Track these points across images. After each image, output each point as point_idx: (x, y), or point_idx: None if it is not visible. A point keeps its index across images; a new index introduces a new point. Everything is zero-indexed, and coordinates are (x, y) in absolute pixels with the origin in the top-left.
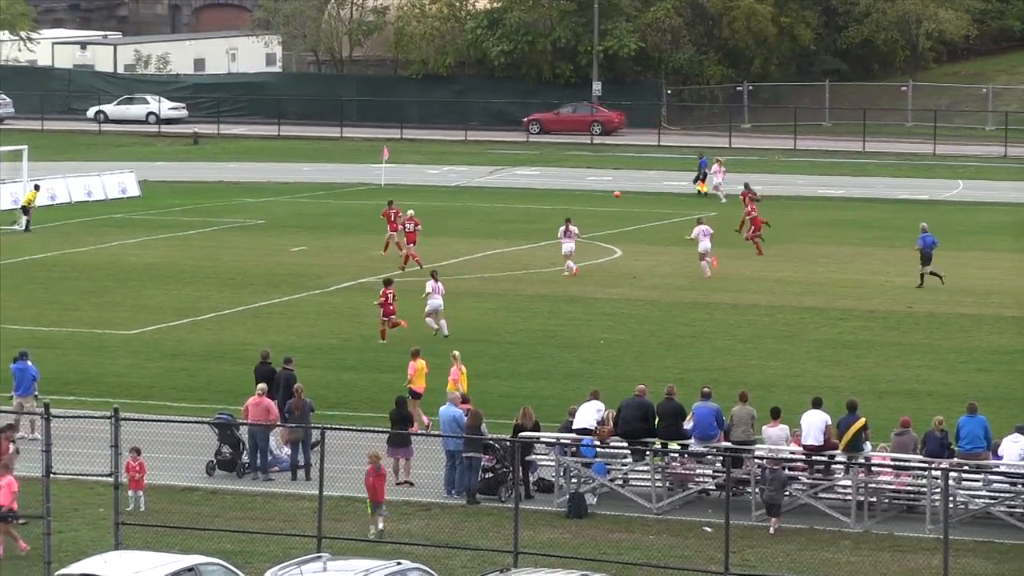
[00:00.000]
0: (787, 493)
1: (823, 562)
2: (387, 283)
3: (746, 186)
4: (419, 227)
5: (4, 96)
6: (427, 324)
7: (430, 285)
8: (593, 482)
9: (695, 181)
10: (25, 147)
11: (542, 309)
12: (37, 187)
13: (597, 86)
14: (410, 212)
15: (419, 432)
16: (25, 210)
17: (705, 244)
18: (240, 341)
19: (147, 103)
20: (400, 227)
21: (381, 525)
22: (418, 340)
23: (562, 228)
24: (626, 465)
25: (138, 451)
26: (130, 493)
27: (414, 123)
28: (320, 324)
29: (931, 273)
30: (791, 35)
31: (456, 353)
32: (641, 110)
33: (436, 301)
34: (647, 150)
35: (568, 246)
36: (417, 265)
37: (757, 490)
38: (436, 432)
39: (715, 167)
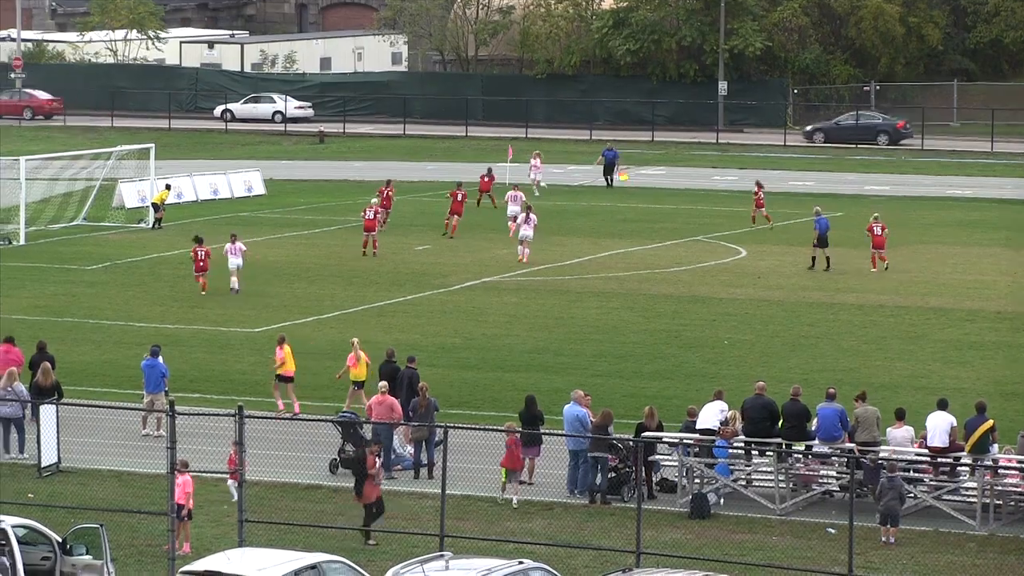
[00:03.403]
0: (911, 495)
1: (947, 565)
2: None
3: (757, 183)
4: (379, 213)
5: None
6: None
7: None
8: (716, 482)
9: (611, 173)
10: (152, 145)
11: (666, 309)
12: (168, 186)
13: (723, 85)
14: (373, 200)
15: (550, 432)
16: (155, 208)
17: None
18: (364, 339)
19: (273, 102)
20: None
21: (515, 498)
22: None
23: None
24: (749, 466)
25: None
26: (229, 482)
27: (539, 122)
28: (443, 323)
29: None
30: (919, 35)
31: (355, 339)
32: (767, 110)
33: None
34: (773, 150)
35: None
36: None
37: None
38: (559, 431)
39: (533, 160)
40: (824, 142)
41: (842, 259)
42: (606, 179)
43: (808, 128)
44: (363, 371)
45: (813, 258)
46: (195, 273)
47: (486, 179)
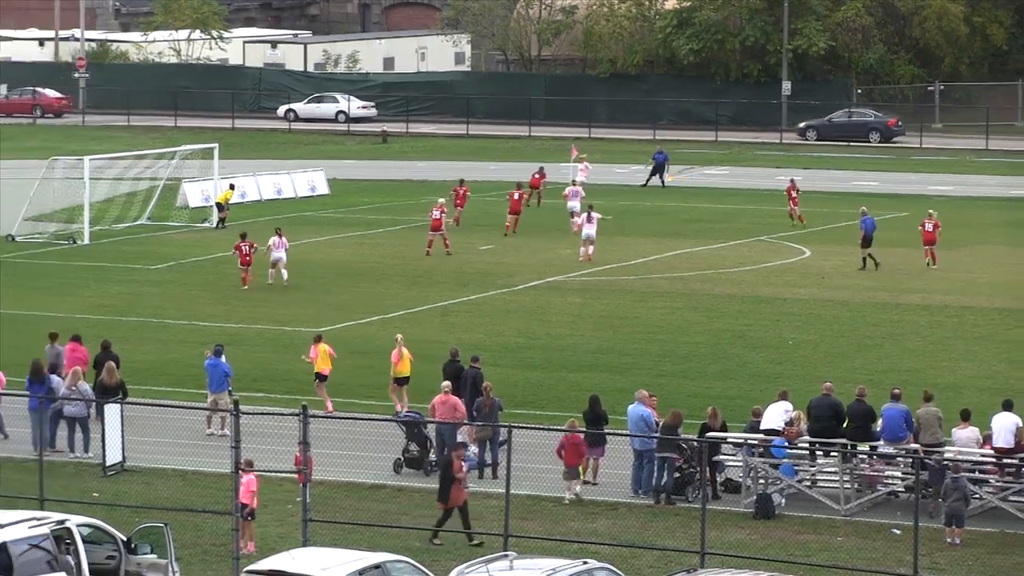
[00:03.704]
0: (977, 496)
1: (1014, 566)
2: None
3: (792, 181)
4: (445, 213)
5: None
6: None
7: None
8: (781, 483)
9: (661, 175)
10: (215, 145)
11: (730, 309)
12: (232, 186)
13: (787, 85)
14: (440, 200)
15: (615, 432)
16: (220, 207)
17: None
18: (428, 339)
19: (336, 102)
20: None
21: (578, 488)
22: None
23: (584, 215)
24: (814, 466)
25: (307, 445)
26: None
27: (602, 122)
28: (507, 323)
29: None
30: (983, 34)
31: (399, 336)
32: (830, 110)
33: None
34: (836, 149)
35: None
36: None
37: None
38: (624, 431)
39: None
40: (817, 139)
41: (906, 259)
42: (660, 180)
43: (801, 125)
44: (406, 367)
45: (864, 259)
46: (240, 267)
47: (537, 176)
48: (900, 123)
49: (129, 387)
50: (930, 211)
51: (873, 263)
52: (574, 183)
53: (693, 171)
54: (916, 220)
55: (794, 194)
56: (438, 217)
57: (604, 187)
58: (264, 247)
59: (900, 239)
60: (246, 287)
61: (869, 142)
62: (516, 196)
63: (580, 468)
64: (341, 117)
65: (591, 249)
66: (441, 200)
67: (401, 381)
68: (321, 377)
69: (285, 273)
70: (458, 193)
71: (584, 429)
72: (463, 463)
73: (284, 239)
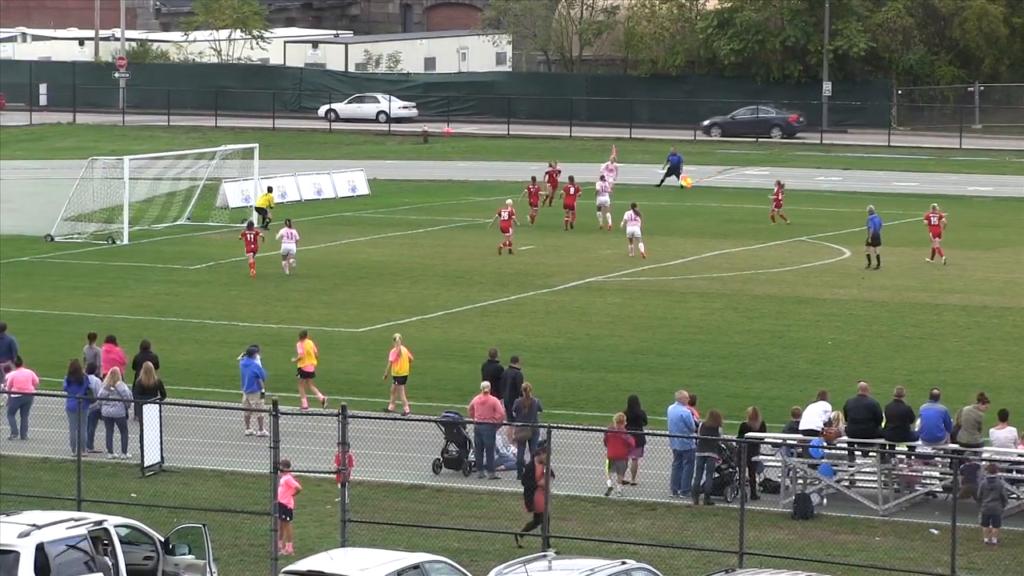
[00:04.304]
0: (1014, 496)
1: None
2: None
3: (778, 183)
4: (514, 214)
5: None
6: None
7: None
8: (819, 483)
9: (676, 176)
10: (256, 145)
11: (769, 309)
12: (270, 188)
13: (827, 86)
14: (508, 201)
15: (654, 432)
16: (262, 211)
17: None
18: (468, 339)
19: (377, 102)
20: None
21: (619, 486)
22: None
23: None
24: (852, 466)
25: (347, 445)
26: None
27: (643, 123)
28: (547, 323)
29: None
30: (1023, 35)
31: (398, 335)
32: (871, 110)
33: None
34: (877, 150)
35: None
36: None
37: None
38: (663, 431)
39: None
40: (722, 135)
41: (947, 258)
42: (673, 178)
43: (706, 123)
44: (405, 366)
45: (868, 256)
46: (247, 254)
47: (553, 173)
48: (801, 119)
49: (167, 387)
50: (933, 204)
51: (876, 262)
52: (602, 179)
53: (733, 171)
54: (956, 221)
55: (780, 196)
56: (506, 219)
57: (644, 187)
58: (276, 237)
59: (943, 239)
60: (254, 276)
61: (771, 138)
62: (572, 191)
63: (625, 462)
64: (382, 117)
65: (641, 246)
66: (508, 200)
67: (400, 380)
68: (305, 374)
69: (294, 263)
70: (530, 191)
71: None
72: (544, 468)
73: (294, 230)
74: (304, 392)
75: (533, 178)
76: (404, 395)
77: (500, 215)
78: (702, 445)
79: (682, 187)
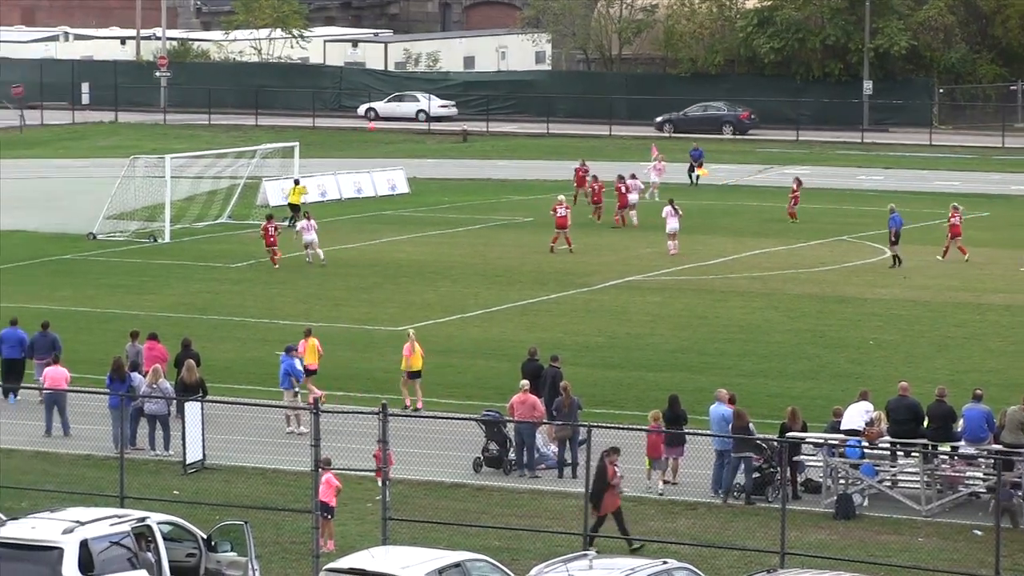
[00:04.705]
0: None
1: None
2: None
3: (796, 180)
4: (569, 209)
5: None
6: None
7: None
8: (861, 483)
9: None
10: (296, 144)
11: (810, 309)
12: (297, 181)
13: (868, 85)
14: (560, 197)
15: (695, 432)
16: (295, 208)
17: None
18: (508, 338)
19: (417, 101)
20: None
21: (660, 484)
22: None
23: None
24: (895, 467)
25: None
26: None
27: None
28: (587, 322)
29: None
30: None
31: (411, 331)
32: (912, 109)
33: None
34: (918, 149)
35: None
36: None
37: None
38: (703, 431)
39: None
40: (674, 132)
41: (991, 259)
42: (690, 176)
43: (659, 119)
44: (418, 362)
45: (894, 257)
46: (266, 248)
47: (581, 172)
48: (753, 116)
49: (209, 385)
50: (954, 204)
51: (897, 261)
52: (633, 176)
53: (772, 170)
54: (999, 220)
55: (797, 193)
56: (563, 215)
57: (684, 187)
58: (296, 230)
59: (983, 239)
60: (276, 266)
61: (723, 135)
62: (624, 190)
63: (663, 460)
64: (421, 116)
65: (676, 242)
66: (561, 197)
67: (413, 375)
68: (308, 371)
69: (320, 252)
70: (595, 189)
71: (664, 428)
72: (616, 468)
73: (313, 222)
74: (314, 388)
75: (595, 176)
76: (419, 390)
77: (557, 211)
78: (737, 445)
79: (698, 177)
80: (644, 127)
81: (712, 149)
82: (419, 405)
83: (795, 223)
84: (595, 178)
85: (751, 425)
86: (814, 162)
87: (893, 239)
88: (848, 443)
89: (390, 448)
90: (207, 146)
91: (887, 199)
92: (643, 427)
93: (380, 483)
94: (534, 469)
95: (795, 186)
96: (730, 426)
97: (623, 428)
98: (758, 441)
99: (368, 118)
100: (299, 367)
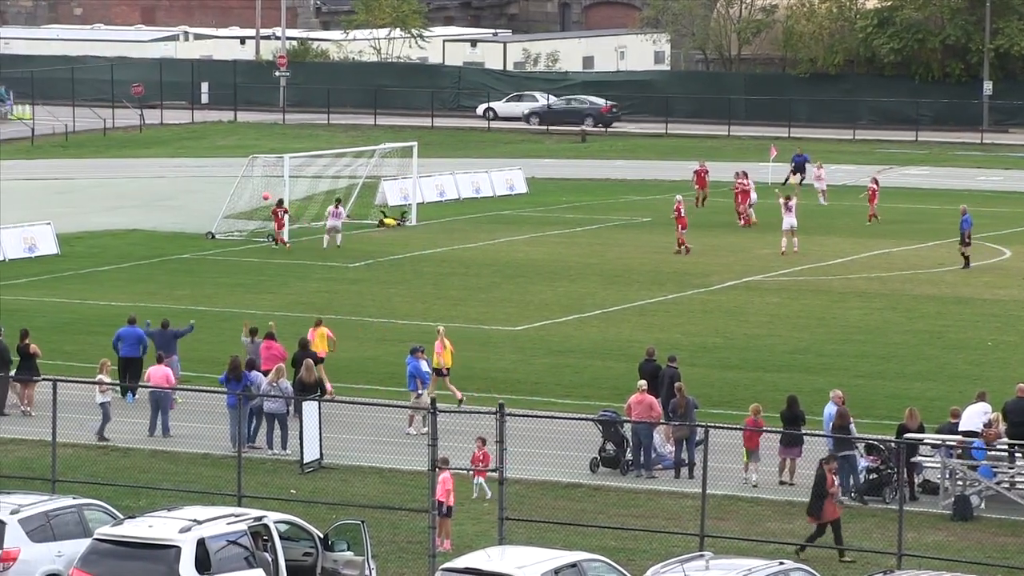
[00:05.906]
0: None
1: None
2: None
3: (874, 179)
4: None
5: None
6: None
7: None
8: (979, 485)
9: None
10: (415, 143)
11: (929, 310)
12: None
13: (988, 85)
14: (679, 197)
15: (810, 432)
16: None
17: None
18: (625, 338)
19: (536, 100)
20: None
21: (754, 476)
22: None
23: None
24: (1013, 468)
25: (483, 441)
26: (475, 481)
27: (801, 122)
28: (704, 322)
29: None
30: None
31: (441, 328)
32: None
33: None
34: None
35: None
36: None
37: None
38: (821, 432)
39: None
40: (539, 124)
41: None
42: (797, 177)
43: (526, 111)
44: (448, 359)
45: (964, 256)
46: (276, 231)
47: (702, 173)
48: (615, 109)
49: (329, 384)
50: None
51: (967, 262)
52: (746, 175)
53: (892, 171)
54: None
55: (875, 190)
56: (685, 215)
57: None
58: (324, 214)
59: None
60: (288, 248)
61: (584, 126)
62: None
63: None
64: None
65: (796, 240)
66: (679, 197)
67: (442, 372)
68: (317, 359)
69: (339, 238)
70: (738, 190)
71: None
72: (835, 476)
73: (341, 209)
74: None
75: (737, 173)
76: (450, 384)
77: (679, 211)
78: (838, 444)
79: (790, 183)
80: (763, 127)
81: (830, 150)
82: (460, 396)
83: (874, 224)
84: (744, 174)
85: (852, 425)
86: (933, 163)
87: (966, 240)
88: (974, 445)
89: (484, 447)
90: (326, 146)
91: (1007, 201)
92: (771, 428)
93: (474, 481)
94: (651, 469)
95: (874, 186)
96: (831, 425)
97: (740, 429)
98: (873, 442)
99: (487, 118)
100: (425, 368)
